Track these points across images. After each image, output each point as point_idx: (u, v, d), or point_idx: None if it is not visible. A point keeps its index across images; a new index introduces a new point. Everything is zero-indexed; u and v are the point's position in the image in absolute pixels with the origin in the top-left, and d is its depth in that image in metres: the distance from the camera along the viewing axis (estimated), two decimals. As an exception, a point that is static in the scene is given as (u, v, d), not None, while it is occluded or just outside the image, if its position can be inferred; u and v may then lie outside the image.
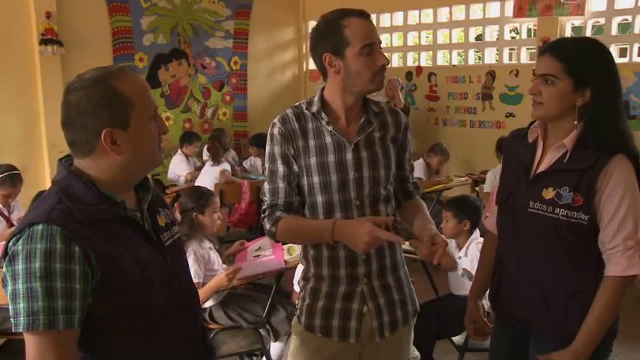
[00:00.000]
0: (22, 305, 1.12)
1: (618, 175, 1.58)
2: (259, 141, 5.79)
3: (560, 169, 1.64)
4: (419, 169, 5.29)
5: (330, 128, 1.72)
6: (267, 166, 1.80)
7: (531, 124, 1.77)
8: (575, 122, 1.64)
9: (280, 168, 1.75)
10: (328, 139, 1.72)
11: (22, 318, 1.12)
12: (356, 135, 1.74)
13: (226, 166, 5.23)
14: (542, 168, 1.70)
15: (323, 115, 1.73)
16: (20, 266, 1.13)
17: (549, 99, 1.64)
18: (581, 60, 1.63)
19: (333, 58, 1.67)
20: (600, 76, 1.62)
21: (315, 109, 1.74)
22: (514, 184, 1.76)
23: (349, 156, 1.72)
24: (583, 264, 1.66)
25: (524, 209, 1.70)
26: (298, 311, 1.84)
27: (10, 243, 1.17)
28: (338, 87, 1.72)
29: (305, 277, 1.83)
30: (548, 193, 1.64)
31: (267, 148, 1.78)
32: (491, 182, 4.66)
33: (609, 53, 1.68)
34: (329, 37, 1.67)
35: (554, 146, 1.67)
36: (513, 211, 1.75)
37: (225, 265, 3.08)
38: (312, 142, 1.73)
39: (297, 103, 1.80)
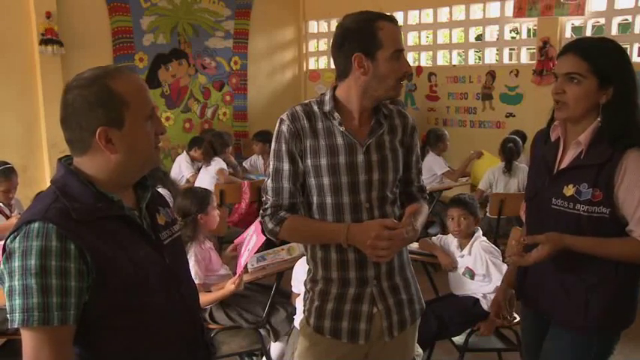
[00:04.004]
0: (17, 301, 1.14)
1: (635, 168, 1.62)
2: (263, 137, 5.75)
3: (578, 166, 1.71)
4: (438, 164, 5.26)
5: (342, 129, 1.69)
6: (271, 162, 1.75)
7: (550, 122, 1.83)
8: (599, 119, 1.68)
9: (286, 167, 1.71)
10: (340, 140, 1.70)
11: (17, 314, 1.14)
12: (367, 137, 1.72)
13: (221, 164, 5.21)
14: (563, 165, 1.77)
15: (336, 114, 1.70)
16: (16, 263, 1.14)
17: (576, 98, 1.68)
18: (604, 59, 1.68)
19: (364, 59, 1.64)
20: (623, 74, 1.68)
21: (327, 108, 1.71)
22: (539, 182, 1.84)
23: (360, 158, 1.70)
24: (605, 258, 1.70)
25: (547, 205, 1.77)
26: (306, 313, 1.81)
27: (8, 241, 1.18)
28: (359, 88, 1.69)
29: (313, 279, 1.80)
30: (569, 190, 1.71)
31: (274, 144, 1.73)
32: (488, 181, 4.66)
33: (626, 52, 1.75)
34: (362, 38, 1.64)
35: (573, 143, 1.74)
36: (538, 207, 1.83)
37: (225, 266, 3.08)
38: (322, 142, 1.70)
39: (306, 101, 1.77)
